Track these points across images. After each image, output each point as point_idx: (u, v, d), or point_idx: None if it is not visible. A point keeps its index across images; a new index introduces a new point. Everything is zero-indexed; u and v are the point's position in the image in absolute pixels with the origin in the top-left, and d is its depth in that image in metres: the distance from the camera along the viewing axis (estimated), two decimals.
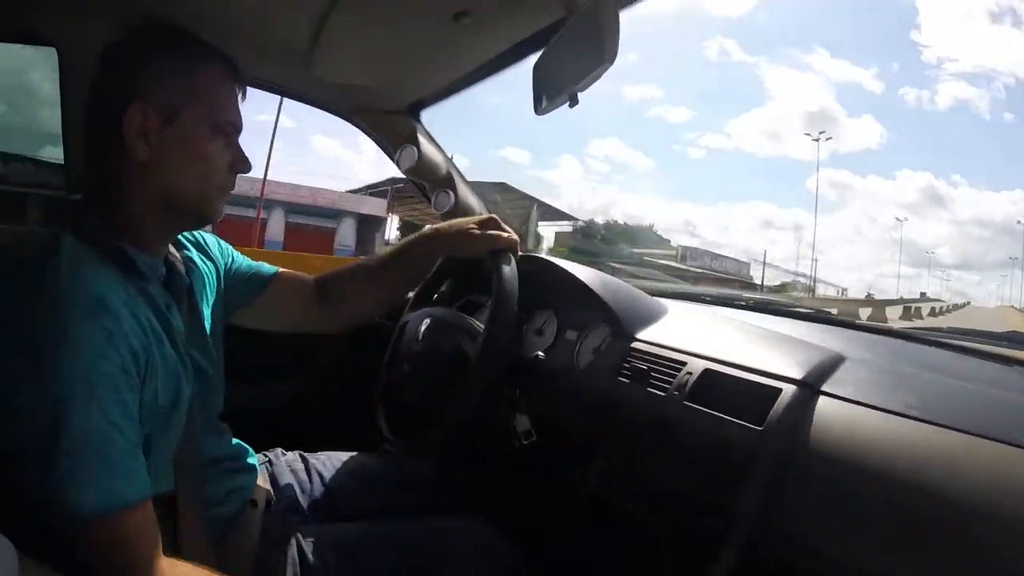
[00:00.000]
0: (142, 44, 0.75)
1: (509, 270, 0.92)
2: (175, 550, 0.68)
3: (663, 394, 0.82)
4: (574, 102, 0.78)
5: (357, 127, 1.23)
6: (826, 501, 0.62)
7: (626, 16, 0.71)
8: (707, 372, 0.81)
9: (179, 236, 0.87)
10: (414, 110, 1.21)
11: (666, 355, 0.87)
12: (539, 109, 0.86)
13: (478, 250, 0.98)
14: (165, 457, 0.71)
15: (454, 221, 1.02)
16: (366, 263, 1.10)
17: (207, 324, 0.87)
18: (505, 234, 0.99)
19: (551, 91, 0.83)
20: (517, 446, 0.95)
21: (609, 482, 0.87)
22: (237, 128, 0.80)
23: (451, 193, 1.25)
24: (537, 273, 1.09)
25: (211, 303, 0.90)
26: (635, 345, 0.93)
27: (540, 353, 0.98)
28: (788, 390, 0.72)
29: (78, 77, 1.00)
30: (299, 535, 0.85)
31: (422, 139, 1.19)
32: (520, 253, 1.08)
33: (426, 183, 1.29)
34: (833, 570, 0.59)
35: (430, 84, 1.12)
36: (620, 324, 0.97)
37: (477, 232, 0.99)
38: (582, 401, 0.94)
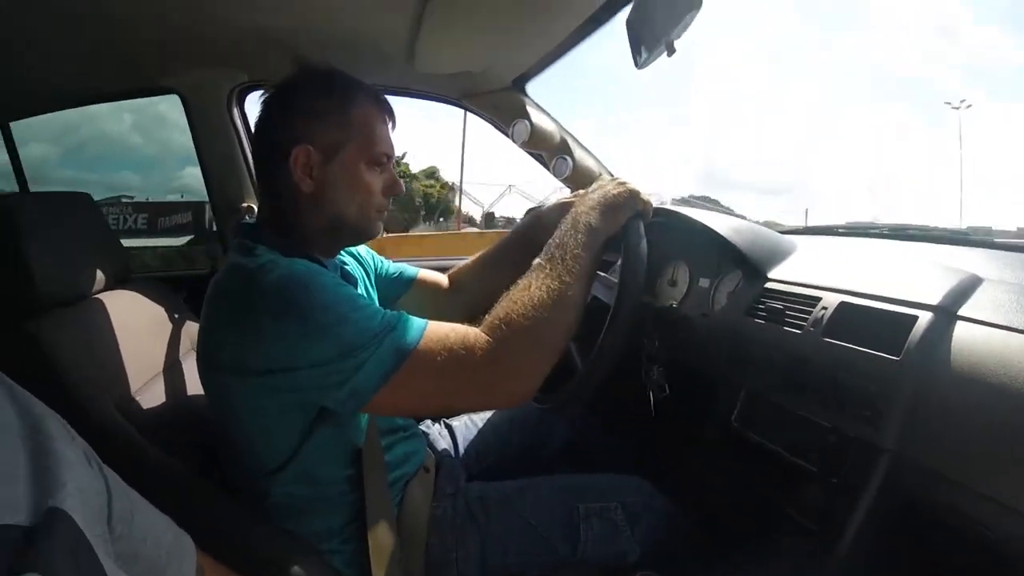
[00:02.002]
0: (300, 90, 0.89)
1: (641, 241, 0.91)
2: (356, 504, 0.87)
3: (799, 331, 0.83)
4: (671, 51, 0.80)
5: (469, 110, 1.34)
6: (967, 429, 0.60)
7: None
8: (842, 305, 0.80)
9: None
10: (520, 84, 1.29)
11: (800, 292, 0.87)
12: (638, 63, 0.89)
13: (619, 224, 0.92)
14: (360, 423, 0.89)
15: (588, 195, 0.96)
16: (485, 254, 1.23)
17: None
18: (640, 201, 0.94)
19: (648, 42, 0.85)
20: (654, 398, 1.01)
21: (750, 422, 0.90)
22: (390, 157, 0.93)
23: (568, 159, 1.31)
24: (666, 224, 1.12)
25: (371, 299, 1.09)
26: (768, 285, 0.94)
27: (673, 302, 1.02)
28: (924, 317, 0.69)
29: (203, 119, 1.21)
30: (461, 494, 1.00)
31: (532, 111, 1.26)
32: (662, 205, 1.14)
33: (543, 152, 1.36)
34: (975, 502, 0.58)
35: (529, 57, 1.18)
36: (751, 266, 0.97)
37: (615, 203, 0.93)
38: (720, 345, 0.97)
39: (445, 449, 1.17)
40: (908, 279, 0.78)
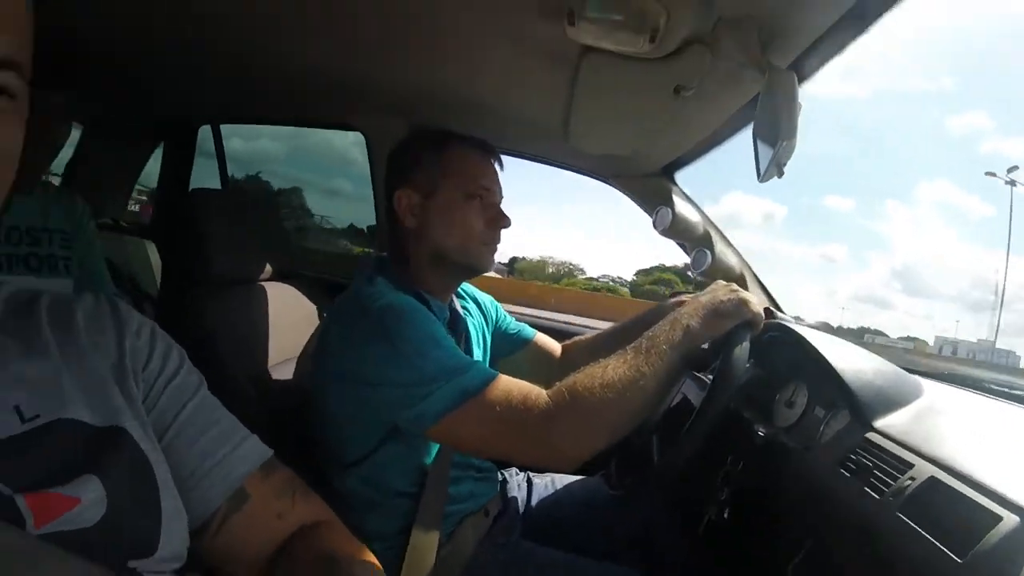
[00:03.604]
0: (407, 144, 1.08)
1: (740, 349, 0.89)
2: (410, 516, 0.97)
3: (878, 497, 0.74)
4: (780, 173, 0.81)
5: (618, 189, 1.40)
6: None
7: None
8: (931, 481, 0.71)
9: (461, 290, 1.21)
10: (669, 171, 1.32)
11: (896, 452, 0.78)
12: (759, 177, 0.89)
13: (722, 331, 0.91)
14: (431, 449, 1.00)
15: (698, 298, 0.96)
16: (607, 333, 1.30)
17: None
18: (748, 311, 0.92)
19: (762, 160, 0.86)
20: (709, 518, 0.95)
21: None
22: (490, 189, 1.06)
23: (708, 252, 1.29)
24: (787, 343, 1.08)
25: (481, 347, 1.20)
26: (869, 435, 0.85)
27: (761, 430, 0.96)
28: (1009, 521, 0.59)
29: (379, 157, 1.42)
30: (510, 547, 1.06)
31: (677, 200, 1.28)
32: (771, 320, 1.10)
33: (684, 243, 1.36)
34: None
35: (676, 149, 1.21)
36: (859, 409, 0.89)
37: (721, 310, 0.92)
38: (800, 487, 0.89)
39: (515, 498, 1.22)
40: (1020, 465, 0.67)
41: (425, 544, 0.96)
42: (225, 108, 1.87)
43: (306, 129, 1.78)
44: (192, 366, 0.58)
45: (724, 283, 0.97)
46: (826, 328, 1.32)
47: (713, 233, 1.31)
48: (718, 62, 0.81)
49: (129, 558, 0.44)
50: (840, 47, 0.81)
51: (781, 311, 1.37)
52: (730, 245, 1.34)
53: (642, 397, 0.83)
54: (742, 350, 0.88)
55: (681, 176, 1.35)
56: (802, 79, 0.82)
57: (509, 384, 0.85)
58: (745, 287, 1.35)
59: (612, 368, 0.83)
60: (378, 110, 1.46)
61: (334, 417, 0.98)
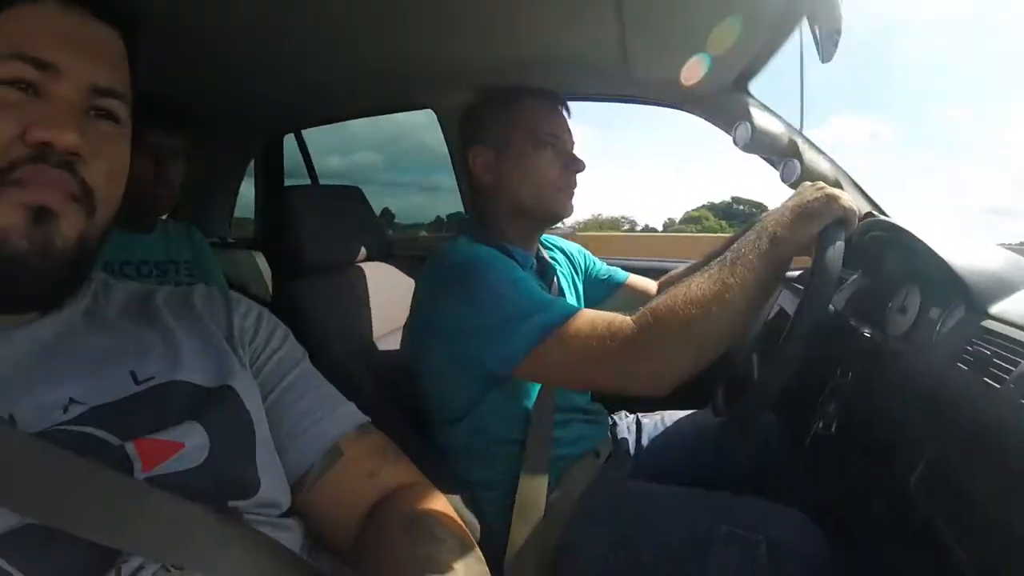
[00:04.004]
0: (476, 106, 1.13)
1: (832, 249, 0.83)
2: (517, 464, 1.01)
3: (998, 387, 0.68)
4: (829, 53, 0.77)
5: (692, 114, 1.35)
6: None
7: None
8: None
9: (548, 242, 1.26)
10: (741, 84, 1.26)
11: (1015, 336, 0.72)
12: (821, 58, 0.85)
13: (812, 233, 0.85)
14: (532, 394, 1.04)
15: (784, 202, 0.92)
16: (699, 263, 1.27)
17: None
18: (838, 207, 0.85)
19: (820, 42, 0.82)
20: (814, 431, 0.91)
21: (931, 493, 0.76)
22: (560, 137, 1.09)
23: (796, 163, 1.22)
24: (895, 242, 1.01)
25: (573, 294, 1.22)
26: (985, 323, 0.78)
27: (866, 331, 0.90)
28: None
29: (454, 133, 1.45)
30: (618, 484, 1.08)
31: (755, 112, 1.22)
32: (877, 218, 1.05)
33: (771, 157, 1.30)
34: None
35: (741, 56, 1.15)
36: (972, 296, 0.82)
37: (808, 210, 0.86)
38: (916, 391, 0.83)
39: (625, 440, 1.25)
40: None
41: (534, 489, 1.00)
42: (304, 115, 2.01)
43: (399, 134, 1.87)
44: (296, 342, 0.67)
45: (810, 183, 0.91)
46: None
47: (799, 141, 1.23)
48: None
49: (229, 498, 0.51)
50: None
51: (885, 214, 1.27)
52: (820, 152, 1.25)
53: (730, 311, 0.80)
54: (835, 251, 0.81)
55: (763, 91, 1.28)
56: None
57: (592, 315, 0.87)
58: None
59: (696, 285, 0.82)
60: (443, 84, 1.50)
61: (433, 375, 1.05)
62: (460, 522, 0.62)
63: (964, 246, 0.92)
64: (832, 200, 0.84)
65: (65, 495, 0.43)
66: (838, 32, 0.76)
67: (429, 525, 0.57)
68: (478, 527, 0.94)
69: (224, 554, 0.46)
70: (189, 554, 0.45)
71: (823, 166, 1.24)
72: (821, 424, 0.92)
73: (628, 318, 0.84)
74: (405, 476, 0.65)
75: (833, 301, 1.09)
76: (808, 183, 0.91)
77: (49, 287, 0.51)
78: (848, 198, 0.86)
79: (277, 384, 0.62)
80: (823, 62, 0.84)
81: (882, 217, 1.08)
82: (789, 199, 0.89)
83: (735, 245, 0.86)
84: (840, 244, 0.83)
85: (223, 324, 0.61)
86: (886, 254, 1.06)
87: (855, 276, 1.12)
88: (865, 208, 1.27)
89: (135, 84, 0.56)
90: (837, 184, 1.25)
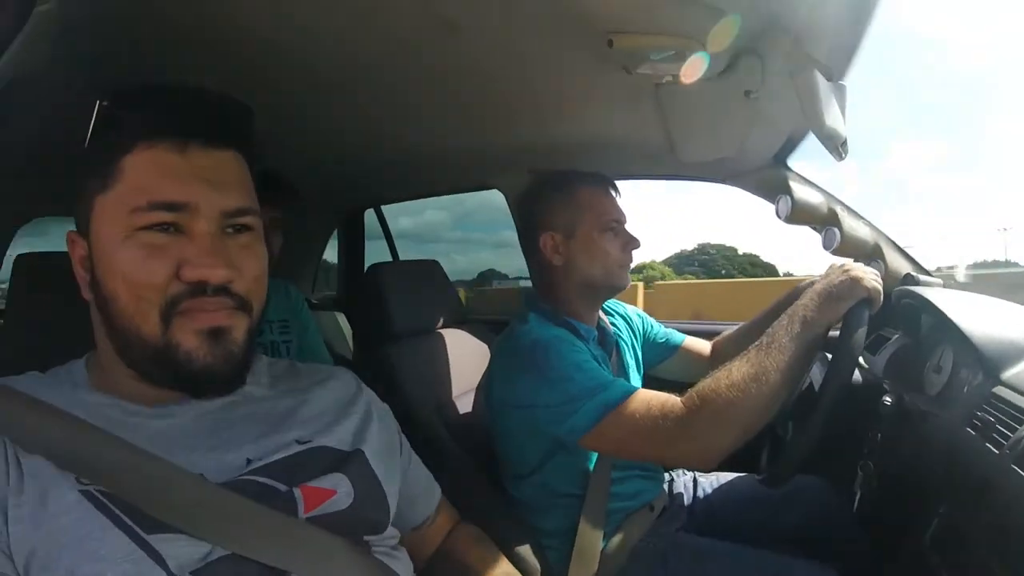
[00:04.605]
0: (537, 192, 1.30)
1: (854, 332, 0.93)
2: (577, 515, 1.13)
3: (996, 451, 0.76)
4: (839, 155, 0.89)
5: (737, 187, 1.48)
6: None
7: None
8: None
9: (607, 307, 1.40)
10: (781, 158, 1.38)
11: (1016, 402, 0.80)
12: (837, 159, 0.97)
13: (839, 314, 0.96)
14: (592, 456, 1.18)
15: (813, 285, 1.01)
16: (746, 324, 1.41)
17: (629, 372, 1.33)
18: (862, 289, 0.96)
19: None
20: (859, 495, 0.99)
21: (943, 546, 0.85)
22: (620, 221, 1.25)
23: (836, 230, 1.32)
24: (919, 308, 1.09)
25: (632, 358, 1.35)
26: (996, 389, 0.86)
27: (887, 399, 1.00)
28: None
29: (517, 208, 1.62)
30: (669, 537, 1.20)
31: (794, 185, 1.33)
32: (907, 288, 1.13)
33: (813, 225, 1.40)
34: None
35: (778, 138, 1.28)
36: (986, 363, 0.91)
37: (834, 294, 0.97)
38: (932, 453, 0.92)
39: (681, 495, 1.36)
40: None
41: (591, 539, 1.13)
42: (384, 192, 2.27)
43: (467, 194, 2.07)
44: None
45: (838, 266, 1.02)
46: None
47: (839, 209, 1.33)
48: (771, 64, 0.91)
49: (365, 534, 0.68)
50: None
51: (926, 272, 1.35)
52: (859, 217, 1.35)
53: (768, 392, 0.90)
54: (857, 334, 0.92)
55: (801, 162, 1.41)
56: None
57: (647, 396, 1.00)
58: (881, 256, 1.35)
59: (736, 369, 0.93)
60: (509, 167, 1.70)
61: (505, 437, 1.20)
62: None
63: (988, 310, 1.00)
64: (856, 283, 0.96)
65: (247, 530, 0.57)
66: (841, 140, 0.88)
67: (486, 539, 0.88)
68: (539, 572, 1.09)
69: None
70: (336, 575, 0.61)
71: (862, 232, 1.33)
72: (863, 484, 1.00)
73: (679, 400, 0.96)
74: (458, 517, 0.92)
75: (873, 362, 1.19)
76: (836, 264, 1.03)
77: (231, 380, 0.64)
78: (872, 277, 0.97)
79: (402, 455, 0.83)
80: (838, 161, 0.96)
81: (911, 287, 1.17)
82: (818, 282, 1.01)
83: (771, 329, 0.96)
84: (863, 327, 0.93)
85: (360, 403, 0.79)
86: (923, 316, 1.14)
87: (896, 336, 1.21)
88: (905, 268, 1.36)
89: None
90: (877, 248, 1.34)
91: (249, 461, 0.63)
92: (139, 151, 0.60)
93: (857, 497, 1.04)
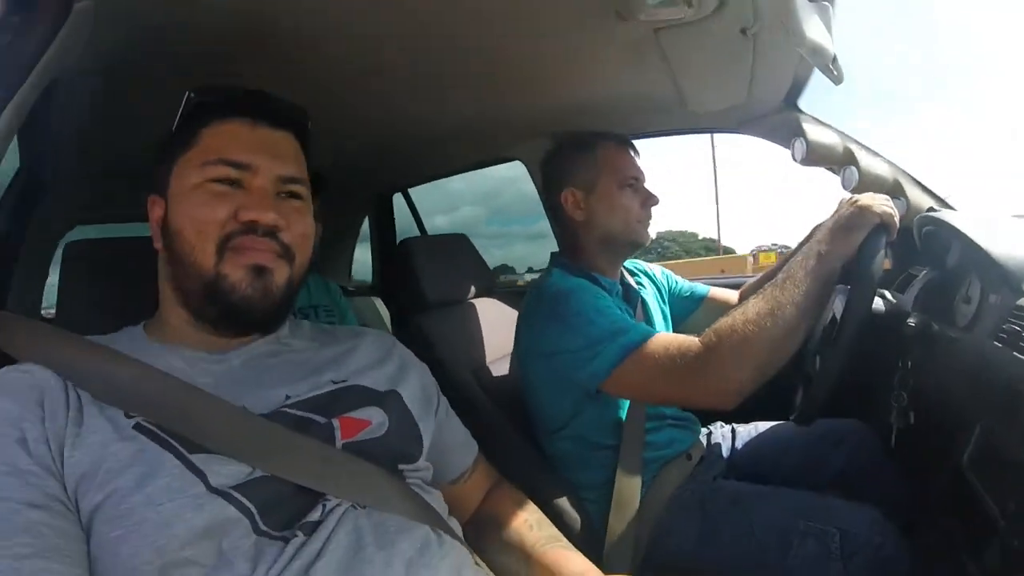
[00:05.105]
0: (559, 152, 1.34)
1: (870, 259, 0.93)
2: (614, 466, 1.17)
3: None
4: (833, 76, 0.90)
5: (751, 135, 1.49)
6: None
7: None
8: None
9: (629, 268, 1.44)
10: (791, 101, 1.38)
11: None
12: (834, 81, 0.98)
13: (853, 245, 0.95)
14: (623, 404, 1.22)
15: (823, 225, 1.01)
16: (771, 270, 1.41)
17: (655, 326, 1.37)
18: (873, 216, 0.95)
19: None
20: (897, 428, 1.01)
21: (982, 467, 0.85)
22: (638, 178, 1.29)
23: (854, 168, 1.32)
24: (955, 235, 1.09)
25: (660, 314, 1.39)
26: (1022, 301, 0.86)
27: (912, 320, 1.01)
28: None
29: (538, 176, 1.67)
30: (712, 484, 1.22)
31: (807, 126, 1.33)
32: (926, 214, 1.14)
33: (830, 166, 1.40)
34: None
35: (784, 79, 1.28)
36: (1009, 277, 0.90)
37: (845, 225, 0.96)
38: (963, 370, 0.93)
39: (718, 445, 1.39)
40: None
41: (629, 489, 1.17)
42: (410, 174, 2.34)
43: (500, 188, 2.14)
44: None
45: (846, 199, 1.01)
46: None
47: (855, 147, 1.33)
48: None
49: (399, 462, 0.75)
50: None
51: (948, 206, 1.34)
52: (876, 155, 1.34)
53: (784, 326, 0.91)
54: (873, 260, 0.92)
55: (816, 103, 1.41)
56: None
57: (667, 337, 1.03)
58: (902, 192, 1.34)
59: (752, 305, 0.94)
60: (529, 136, 1.74)
61: (536, 391, 1.25)
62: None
63: (1010, 228, 1.00)
64: (865, 211, 0.95)
65: (286, 454, 0.64)
66: (830, 57, 0.90)
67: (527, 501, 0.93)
68: (579, 524, 1.14)
69: (393, 500, 0.68)
70: (370, 497, 0.66)
71: (881, 168, 1.33)
72: (899, 421, 1.01)
73: (696, 340, 0.98)
74: (497, 475, 0.98)
75: (902, 300, 1.19)
76: (844, 199, 1.02)
77: (269, 318, 0.74)
78: (882, 202, 0.96)
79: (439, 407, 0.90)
80: (835, 84, 0.97)
81: (932, 213, 1.17)
82: (828, 217, 1.01)
83: (786, 266, 0.98)
84: (879, 252, 0.93)
85: (396, 356, 0.87)
86: (949, 248, 1.14)
87: (924, 272, 1.21)
88: (927, 204, 1.35)
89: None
90: (897, 184, 1.34)
91: (287, 397, 0.71)
92: (216, 124, 0.73)
93: (894, 432, 1.05)
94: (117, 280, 0.75)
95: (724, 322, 0.96)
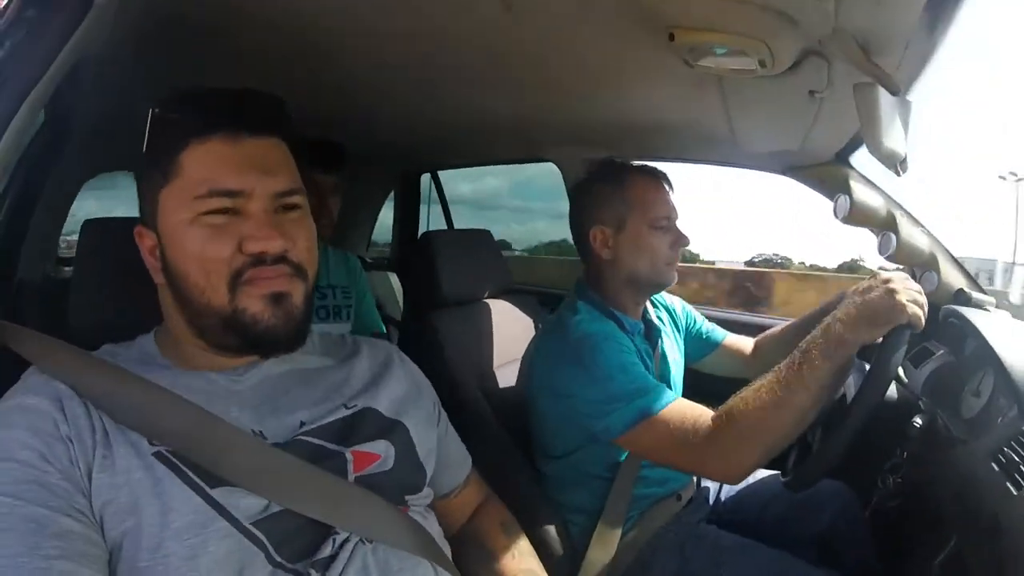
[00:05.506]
0: (589, 184, 1.30)
1: (891, 357, 0.89)
2: (604, 496, 1.18)
3: (1015, 493, 0.75)
4: (898, 171, 0.89)
5: (796, 180, 1.47)
6: None
7: None
8: None
9: (653, 301, 1.42)
10: (843, 157, 1.36)
11: None
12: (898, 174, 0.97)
13: (875, 338, 0.92)
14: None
15: (852, 302, 0.94)
16: (790, 324, 1.41)
17: (670, 365, 1.36)
18: (904, 315, 0.89)
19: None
20: (875, 508, 1.01)
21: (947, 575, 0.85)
22: (671, 218, 1.26)
23: (893, 236, 1.30)
24: (968, 331, 1.09)
25: (675, 353, 1.40)
26: None
27: (918, 420, 1.00)
28: None
29: (571, 181, 1.66)
30: (695, 529, 1.23)
31: (855, 185, 1.31)
32: (953, 308, 1.15)
33: (871, 228, 1.38)
34: None
35: (842, 136, 1.26)
36: (1022, 397, 0.89)
37: (874, 319, 0.91)
38: (953, 481, 0.92)
39: (707, 488, 1.40)
40: None
41: (614, 520, 1.18)
42: (440, 157, 2.32)
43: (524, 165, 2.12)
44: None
45: (881, 279, 0.94)
46: None
47: (898, 214, 1.30)
48: (837, 67, 0.90)
49: (404, 493, 0.76)
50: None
51: (981, 290, 1.32)
52: (919, 225, 1.32)
53: (795, 413, 0.91)
54: (893, 359, 0.89)
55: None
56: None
57: (683, 408, 1.03)
58: (936, 267, 1.32)
59: (766, 388, 0.93)
60: (566, 142, 1.72)
61: (542, 419, 1.25)
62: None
63: None
64: (898, 308, 0.89)
65: (302, 488, 0.65)
66: (900, 159, 0.88)
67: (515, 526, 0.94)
68: (561, 549, 1.15)
69: (399, 535, 0.70)
70: (378, 532, 0.68)
71: (920, 240, 1.30)
72: (879, 498, 1.02)
73: (710, 417, 0.98)
74: (488, 491, 0.99)
75: (914, 376, 1.18)
76: (883, 276, 0.96)
77: (293, 339, 0.72)
78: (914, 298, 0.91)
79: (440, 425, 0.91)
80: (897, 177, 0.96)
81: (957, 307, 1.16)
82: (857, 294, 0.94)
83: (803, 345, 0.93)
84: (901, 349, 0.90)
85: (399, 371, 0.87)
86: (967, 336, 1.13)
87: (940, 352, 1.20)
88: (959, 283, 1.33)
89: (302, 167, 0.76)
90: (932, 259, 1.32)
91: (302, 424, 0.71)
92: (194, 146, 0.68)
93: (871, 507, 1.06)
94: (134, 262, 0.74)
95: (736, 405, 0.96)
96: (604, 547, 1.16)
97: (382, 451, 0.74)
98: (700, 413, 1.00)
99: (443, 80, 1.32)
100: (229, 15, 0.97)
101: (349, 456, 0.71)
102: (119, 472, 0.60)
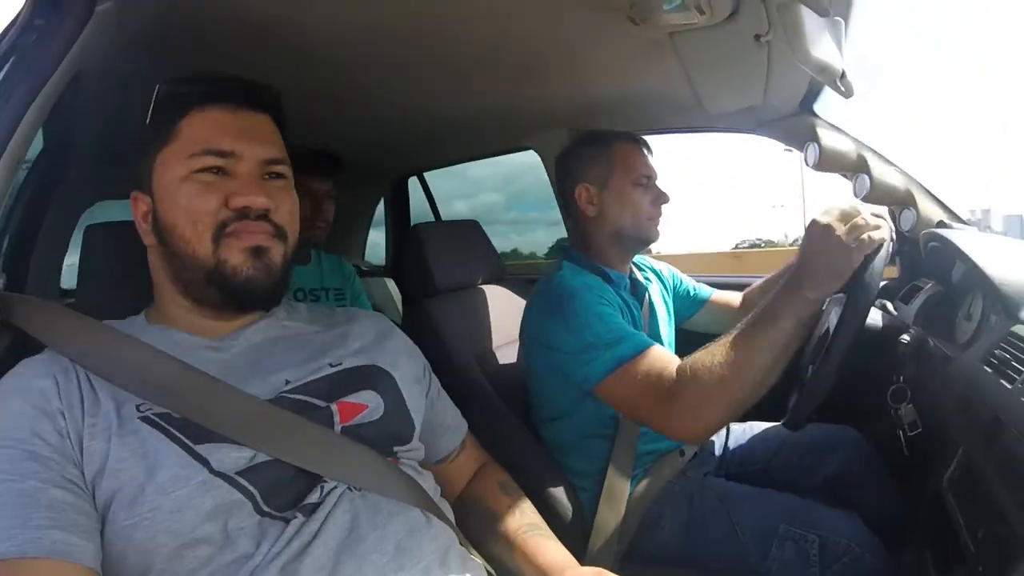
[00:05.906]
0: (574, 148, 1.37)
1: (871, 272, 0.87)
2: (608, 457, 1.21)
3: (1009, 386, 0.75)
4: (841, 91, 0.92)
5: (767, 137, 1.50)
6: None
7: None
8: None
9: (638, 263, 1.46)
10: (807, 106, 1.39)
11: None
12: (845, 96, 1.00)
13: (842, 281, 0.88)
14: None
15: (807, 254, 0.90)
16: (778, 273, 1.43)
17: (659, 321, 1.40)
18: (869, 235, 0.86)
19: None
20: (901, 436, 1.03)
21: (960, 488, 0.85)
22: (650, 176, 1.32)
23: (866, 176, 1.33)
24: (959, 252, 1.10)
25: (664, 311, 1.43)
26: (1015, 328, 0.85)
27: (906, 336, 1.02)
28: None
29: (552, 166, 1.70)
30: (696, 480, 1.25)
31: (822, 131, 1.34)
32: (933, 231, 1.15)
33: (843, 172, 1.41)
34: None
35: (801, 84, 1.29)
36: (1006, 302, 0.91)
37: (834, 269, 0.88)
38: (950, 394, 0.93)
39: (712, 443, 1.42)
40: None
41: (620, 480, 1.20)
42: (426, 158, 2.38)
43: (519, 175, 2.16)
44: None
45: (823, 227, 0.88)
46: None
47: (868, 155, 1.33)
48: (774, 4, 0.92)
49: (394, 444, 0.78)
50: None
51: (959, 219, 1.34)
52: (890, 163, 1.34)
53: (760, 368, 0.89)
54: (872, 274, 0.86)
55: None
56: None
57: (653, 355, 1.04)
58: (913, 203, 1.35)
59: (730, 345, 0.92)
60: (544, 127, 1.76)
61: (538, 378, 1.28)
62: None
63: (1015, 252, 1.00)
64: (854, 252, 0.85)
65: (288, 438, 0.68)
66: (838, 74, 0.91)
67: (513, 486, 0.96)
68: (570, 513, 1.17)
69: (387, 483, 0.72)
70: (366, 480, 0.70)
71: (894, 178, 1.33)
72: (890, 431, 1.03)
73: (675, 369, 0.97)
74: (486, 456, 1.01)
75: (905, 311, 1.21)
76: (836, 212, 0.89)
77: (270, 295, 0.77)
78: (862, 228, 0.86)
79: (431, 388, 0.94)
80: (844, 99, 0.99)
81: (937, 230, 1.18)
82: (809, 248, 0.89)
83: (766, 302, 0.92)
84: (879, 271, 0.87)
85: (391, 338, 0.90)
86: (954, 264, 1.15)
87: (929, 285, 1.22)
88: (938, 216, 1.35)
89: (289, 146, 0.81)
90: (908, 195, 1.34)
91: (287, 382, 0.74)
92: (195, 113, 0.74)
93: (885, 443, 1.07)
94: (136, 262, 0.79)
95: (701, 360, 0.94)
96: (613, 507, 1.18)
97: (370, 400, 0.77)
98: (667, 364, 1.00)
99: (426, 79, 1.36)
100: (229, 26, 1.01)
101: (335, 408, 0.74)
102: (105, 436, 0.63)
